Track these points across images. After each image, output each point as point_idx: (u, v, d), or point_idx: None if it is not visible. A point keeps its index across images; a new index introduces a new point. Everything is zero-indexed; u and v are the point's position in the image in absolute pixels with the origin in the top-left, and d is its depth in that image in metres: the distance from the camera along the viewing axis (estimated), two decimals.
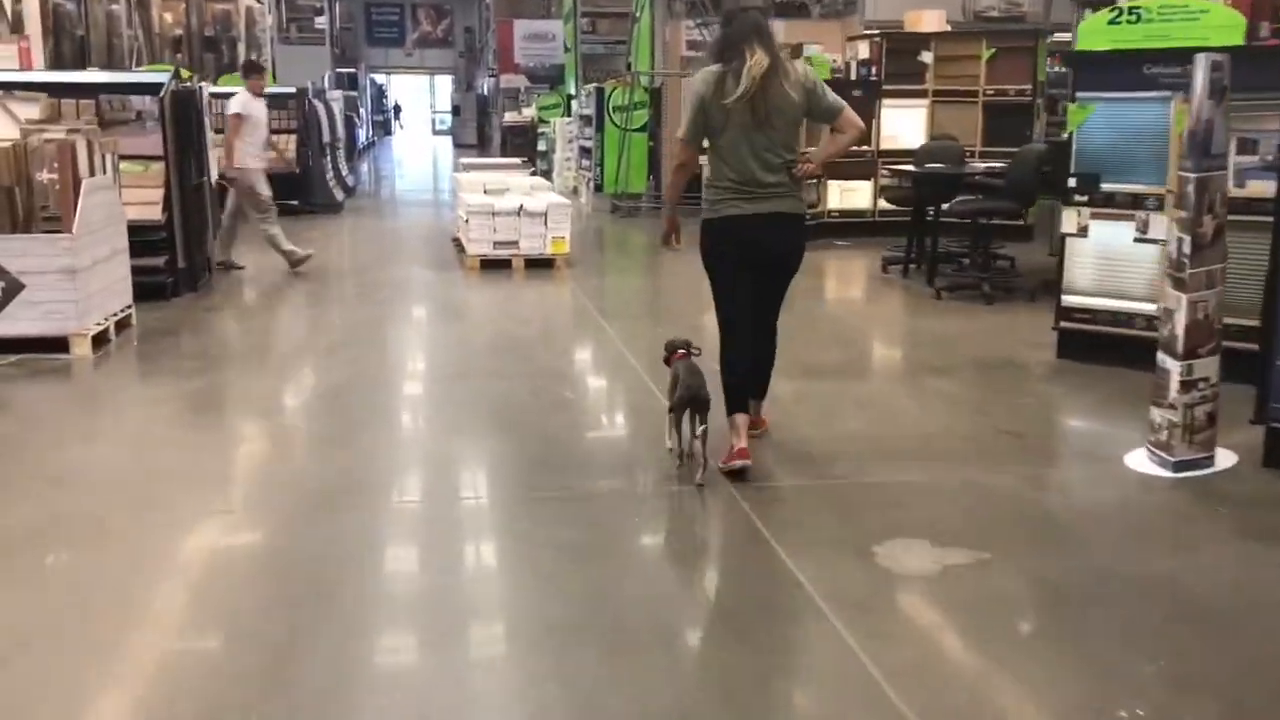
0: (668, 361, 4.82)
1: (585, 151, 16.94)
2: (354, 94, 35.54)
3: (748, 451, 4.58)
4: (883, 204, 12.28)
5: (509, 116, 21.61)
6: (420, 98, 55.49)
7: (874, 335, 8.22)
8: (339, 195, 15.82)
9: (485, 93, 40.80)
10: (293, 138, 15.11)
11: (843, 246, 12.07)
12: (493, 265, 10.24)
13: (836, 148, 4.73)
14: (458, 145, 40.05)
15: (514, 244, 10.27)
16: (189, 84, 8.85)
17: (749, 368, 4.79)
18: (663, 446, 4.89)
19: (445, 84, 52.41)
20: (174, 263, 8.58)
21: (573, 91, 23.03)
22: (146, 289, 8.38)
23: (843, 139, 4.64)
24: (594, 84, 16.60)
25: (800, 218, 4.68)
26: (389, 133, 51.49)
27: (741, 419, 4.64)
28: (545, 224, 10.30)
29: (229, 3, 23.75)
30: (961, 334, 7.63)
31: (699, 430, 4.48)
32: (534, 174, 14.10)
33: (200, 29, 23.81)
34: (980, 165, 10.23)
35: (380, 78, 52.31)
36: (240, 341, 7.86)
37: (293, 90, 15.43)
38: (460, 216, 10.92)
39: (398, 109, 54.10)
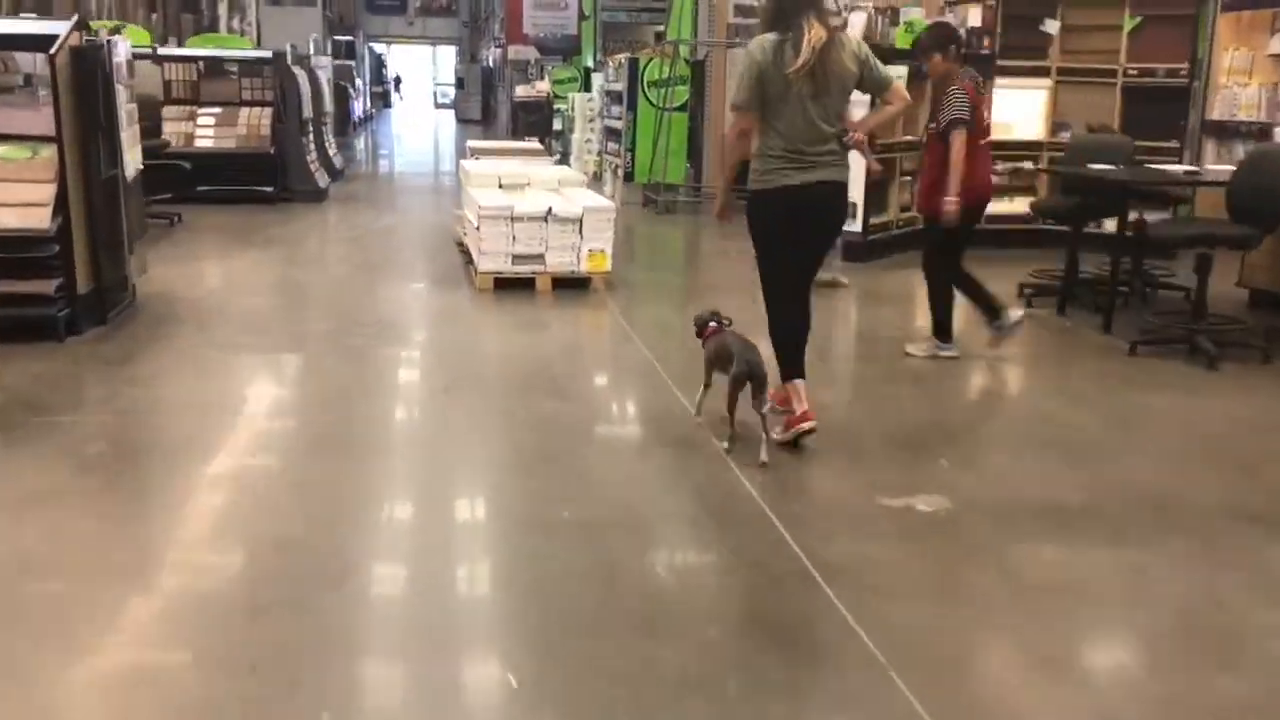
0: (700, 335, 4.83)
1: (611, 133, 14.43)
2: (350, 63, 32.94)
3: (811, 414, 4.60)
4: (997, 209, 9.86)
5: (520, 90, 19.08)
6: (422, 69, 52.77)
7: (1099, 435, 5.09)
8: (323, 180, 13.31)
9: (491, 65, 38.16)
10: (266, 112, 12.59)
11: None
12: (510, 285, 7.78)
13: (887, 117, 4.93)
14: (461, 121, 37.44)
15: (538, 258, 7.80)
16: (95, 39, 6.32)
17: (803, 332, 4.80)
18: None
19: (449, 55, 49.73)
20: (70, 288, 6.11)
21: (591, 64, 20.48)
22: (27, 326, 5.92)
23: (891, 110, 4.74)
24: (626, 54, 14.08)
25: (845, 185, 4.71)
26: (388, 105, 48.84)
27: (801, 383, 4.68)
28: (580, 232, 7.83)
29: None
30: (1233, 428, 5.19)
31: (765, 408, 4.45)
32: (558, 161, 11.56)
33: None
34: (1178, 168, 7.76)
35: (380, 47, 49.64)
36: (145, 430, 4.96)
37: (267, 54, 12.88)
38: (467, 219, 8.41)
39: (398, 81, 51.44)
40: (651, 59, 13.51)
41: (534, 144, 11.06)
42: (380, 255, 9.72)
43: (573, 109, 17.22)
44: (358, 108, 30.50)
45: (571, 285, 7.89)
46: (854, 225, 9.21)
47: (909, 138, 9.84)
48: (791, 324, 4.76)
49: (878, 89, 4.70)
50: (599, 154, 16.01)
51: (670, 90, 12.96)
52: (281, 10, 22.12)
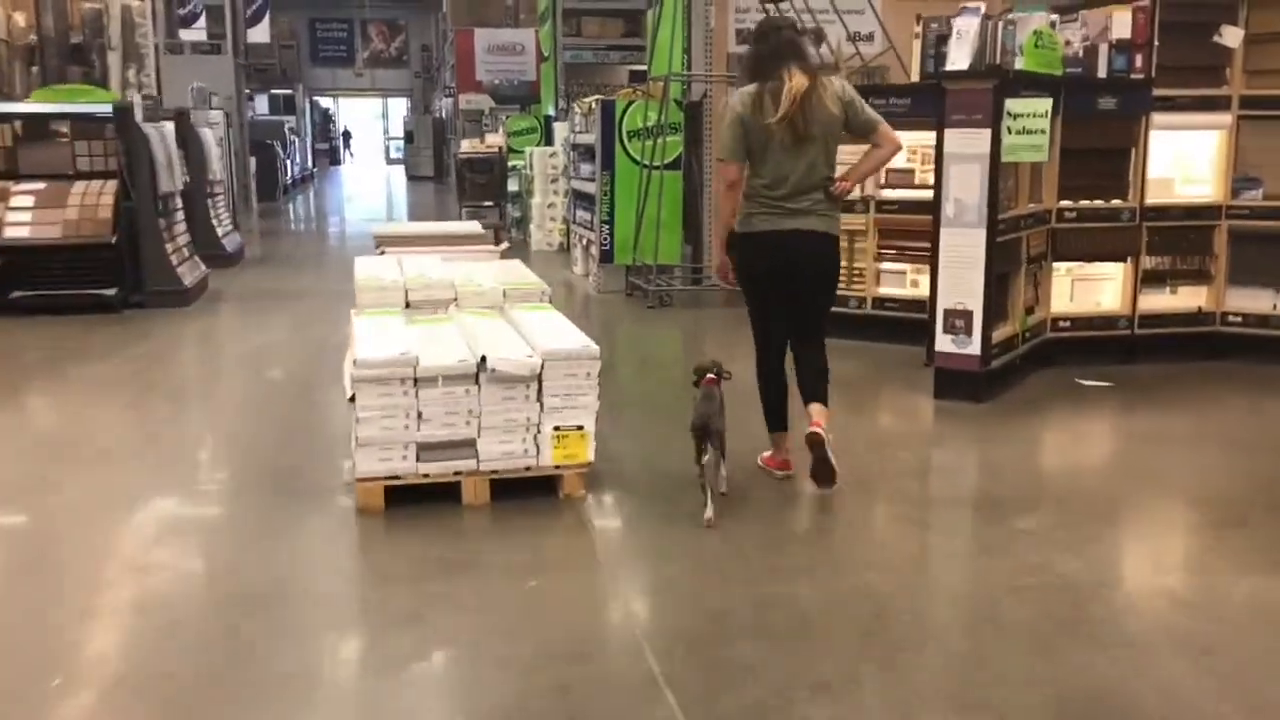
0: (696, 385, 4.57)
1: (582, 198, 11.06)
2: (284, 119, 29.54)
3: (790, 464, 4.72)
4: (1155, 304, 6.63)
5: (466, 145, 15.67)
6: (373, 123, 49.47)
7: None
8: (191, 276, 9.85)
9: (444, 116, 34.89)
10: (110, 187, 9.16)
11: (1093, 387, 6.37)
12: (415, 498, 4.36)
13: (873, 163, 4.71)
14: (411, 177, 34.07)
15: (465, 446, 4.38)
16: None
17: (783, 386, 4.73)
18: None
19: (401, 108, 46.51)
20: None
21: (552, 112, 17.17)
22: None
23: (879, 154, 4.59)
24: (597, 97, 10.72)
25: (835, 238, 4.61)
26: (336, 162, 45.48)
27: (781, 437, 4.74)
28: (539, 398, 4.43)
29: (99, 1, 17.74)
30: None
31: (706, 459, 4.30)
32: (508, 242, 8.10)
33: (61, 34, 17.85)
34: None
35: (327, 101, 46.37)
36: None
37: (106, 110, 9.43)
38: (347, 377, 4.87)
39: (347, 136, 48.08)
40: (632, 102, 10.17)
41: (474, 228, 7.57)
42: (219, 423, 6.14)
43: (531, 167, 13.88)
44: (293, 168, 27.09)
45: (525, 491, 4.46)
46: (967, 346, 5.87)
47: (1033, 206, 6.51)
48: (773, 375, 4.73)
49: (865, 131, 4.53)
50: (564, 221, 12.65)
51: (658, 143, 9.61)
52: (185, 60, 18.70)
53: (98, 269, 8.96)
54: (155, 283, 9.31)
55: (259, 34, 32.43)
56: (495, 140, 15.05)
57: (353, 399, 4.33)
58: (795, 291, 4.60)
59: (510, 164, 15.03)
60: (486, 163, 13.99)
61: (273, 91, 35.63)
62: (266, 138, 23.95)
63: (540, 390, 4.43)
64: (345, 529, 4.27)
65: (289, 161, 26.25)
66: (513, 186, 14.88)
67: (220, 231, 12.04)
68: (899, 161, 7.61)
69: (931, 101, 6.32)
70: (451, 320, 5.07)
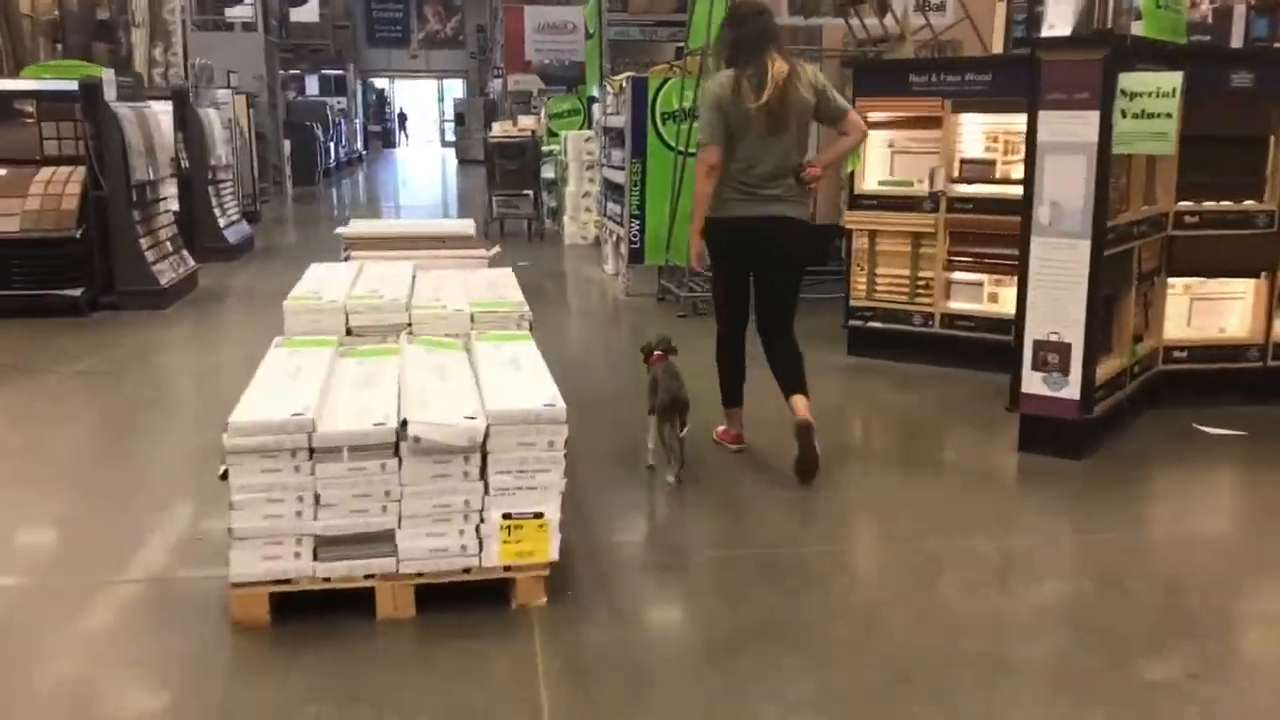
0: (647, 362, 4.67)
1: (614, 189, 9.84)
2: (325, 101, 28.65)
3: (742, 437, 4.81)
4: None
5: (497, 128, 14.47)
6: (430, 105, 48.58)
7: None
8: (168, 275, 8.80)
9: (494, 98, 33.82)
10: (77, 174, 8.15)
11: (1218, 436, 5.04)
12: (311, 609, 3.21)
13: (843, 150, 4.71)
14: (462, 160, 33.05)
15: (381, 541, 3.21)
16: None
17: (742, 364, 4.77)
18: None
19: (457, 90, 45.55)
20: None
21: (595, 93, 15.97)
22: None
23: (848, 141, 4.60)
24: (627, 75, 9.47)
25: (805, 223, 4.62)
26: (391, 145, 44.66)
27: (736, 412, 4.82)
28: (482, 474, 3.24)
29: None
30: None
31: (682, 433, 4.41)
32: (537, 227, 6.75)
33: (87, 8, 17.00)
34: None
35: (382, 83, 45.55)
36: None
37: (72, 87, 8.39)
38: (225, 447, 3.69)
39: (403, 118, 47.22)
40: (667, 80, 8.91)
41: (463, 224, 6.34)
42: (102, 481, 5.06)
43: (566, 152, 12.68)
44: (336, 151, 26.17)
45: (463, 601, 3.29)
46: (1063, 388, 4.58)
47: (1146, 210, 5.19)
48: (734, 355, 4.75)
49: (835, 119, 4.57)
50: (600, 215, 11.46)
51: (694, 126, 8.36)
52: (215, 38, 17.72)
53: (62, 266, 7.95)
54: (127, 282, 8.29)
55: (307, 13, 31.67)
56: (528, 123, 13.86)
57: (224, 476, 3.17)
58: (766, 275, 4.65)
59: (547, 149, 13.84)
60: (517, 147, 12.81)
61: (323, 72, 34.80)
62: (307, 119, 23.02)
63: (485, 465, 3.24)
64: (213, 651, 3.13)
65: (332, 144, 25.29)
66: (549, 174, 13.71)
67: (224, 222, 11.00)
68: (975, 150, 6.36)
69: (1019, 77, 5.06)
70: (397, 354, 3.91)
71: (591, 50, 17.68)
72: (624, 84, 9.16)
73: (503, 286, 4.89)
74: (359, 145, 33.47)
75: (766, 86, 4.35)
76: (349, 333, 4.23)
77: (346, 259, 5.49)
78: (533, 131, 13.21)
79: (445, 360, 3.84)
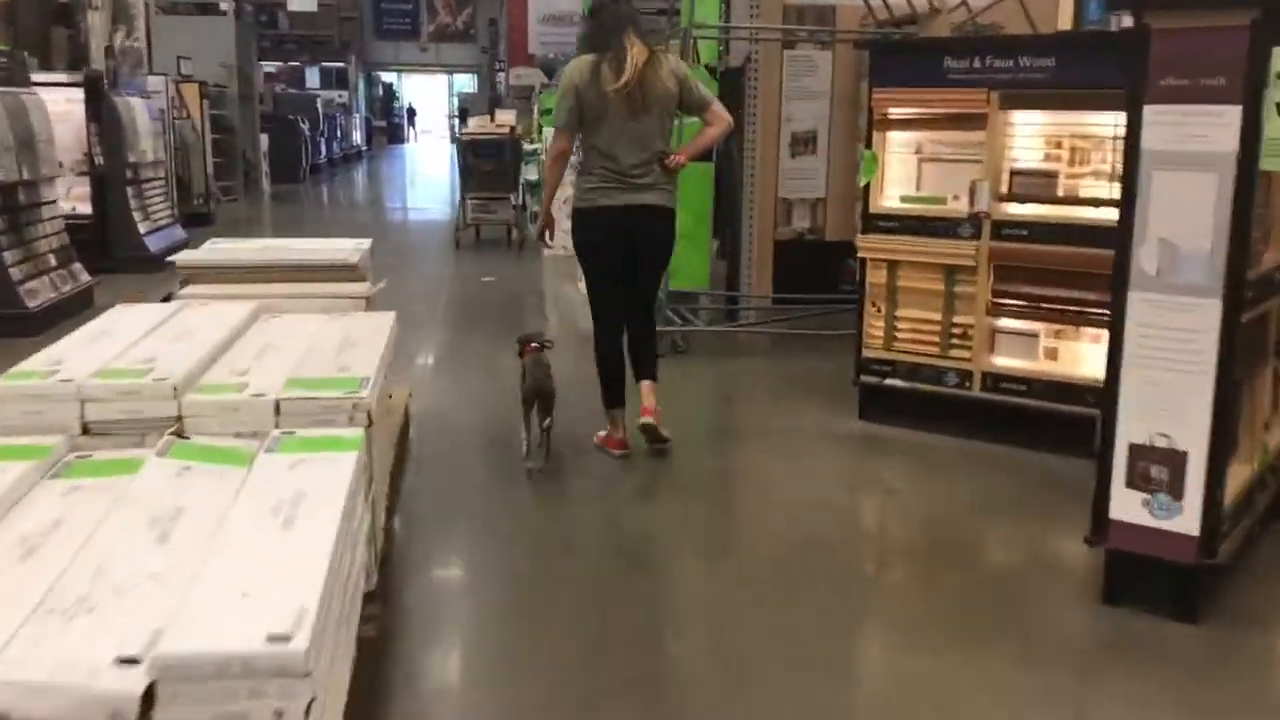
0: (520, 354, 4.60)
1: None
2: (315, 93, 27.29)
3: (626, 442, 4.64)
4: None
5: (473, 124, 12.90)
6: (440, 100, 47.16)
7: None
8: (40, 296, 7.28)
9: (499, 92, 32.34)
10: None
11: None
12: None
13: (707, 139, 4.74)
14: None
15: None
16: None
17: (622, 361, 4.69)
18: None
19: (467, 85, 44.11)
20: None
21: None
22: None
23: (711, 131, 4.63)
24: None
25: (671, 211, 4.59)
26: (399, 140, 43.25)
27: (619, 414, 4.66)
28: None
29: None
30: None
31: (545, 423, 4.40)
32: (376, 288, 5.00)
33: None
34: None
35: (390, 77, 44.14)
36: None
37: None
38: None
39: (412, 113, 45.80)
40: None
41: (339, 248, 4.69)
42: None
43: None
44: (329, 146, 24.73)
45: None
46: (1174, 517, 3.01)
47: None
48: (611, 352, 4.67)
49: (698, 108, 4.60)
50: None
51: (680, 123, 6.83)
52: (181, 21, 16.25)
53: None
54: None
55: (305, 1, 30.32)
56: (506, 119, 12.33)
57: None
58: (633, 264, 4.58)
59: (530, 147, 12.33)
60: (494, 145, 11.31)
61: (323, 64, 33.42)
62: (293, 112, 21.58)
63: None
64: None
65: (323, 140, 23.84)
66: (532, 175, 12.20)
67: (145, 227, 9.53)
68: (1031, 158, 4.81)
69: (1094, 61, 3.60)
70: (139, 469, 2.42)
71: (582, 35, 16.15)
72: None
73: (362, 347, 3.37)
74: (358, 140, 31.98)
75: (626, 69, 4.30)
76: (86, 430, 2.74)
77: (168, 299, 3.99)
78: (512, 128, 11.67)
79: (194, 496, 2.33)
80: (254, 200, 17.03)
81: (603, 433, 4.70)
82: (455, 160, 31.86)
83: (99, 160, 9.23)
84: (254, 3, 28.13)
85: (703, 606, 3.48)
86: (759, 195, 7.37)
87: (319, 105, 23.59)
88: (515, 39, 25.83)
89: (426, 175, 27.07)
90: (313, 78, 33.56)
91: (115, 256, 9.23)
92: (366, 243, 4.74)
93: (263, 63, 32.44)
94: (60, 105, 9.19)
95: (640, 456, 4.68)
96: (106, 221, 9.26)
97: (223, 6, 17.39)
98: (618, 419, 4.64)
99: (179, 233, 10.33)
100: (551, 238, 4.93)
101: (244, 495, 2.33)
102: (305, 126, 21.30)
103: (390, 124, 42.21)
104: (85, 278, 7.86)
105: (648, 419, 4.54)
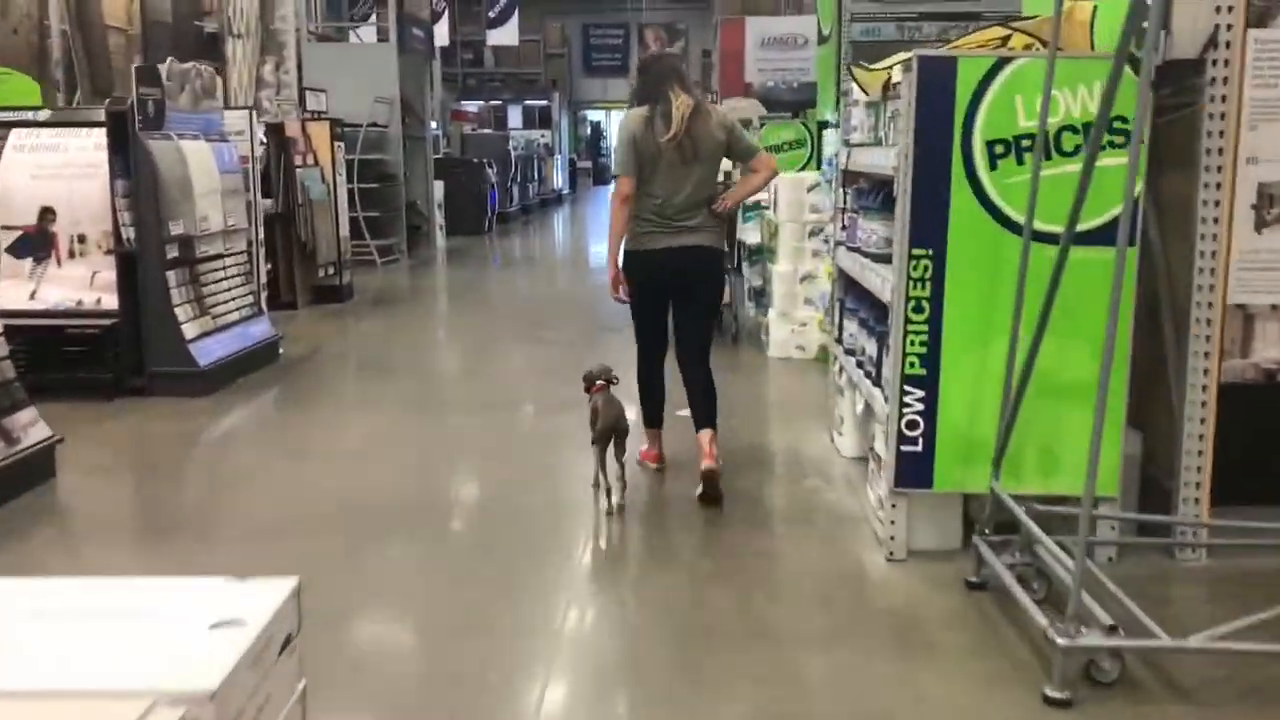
0: (588, 391, 4.68)
1: (862, 298, 4.66)
2: (509, 134, 24.67)
3: (661, 457, 4.97)
4: None
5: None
6: None
7: None
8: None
9: None
10: None
11: None
12: None
13: (753, 186, 5.07)
14: None
15: None
16: None
17: (661, 387, 4.93)
18: None
19: None
20: None
21: (829, 116, 10.83)
22: None
23: (757, 179, 4.89)
24: (902, 56, 4.36)
25: (720, 251, 4.81)
26: (605, 181, 40.66)
27: (655, 432, 4.99)
28: None
29: None
30: None
31: (621, 458, 4.52)
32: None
33: (185, 19, 13.29)
34: None
35: (598, 114, 41.73)
36: None
37: None
38: None
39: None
40: (1005, 61, 3.70)
41: (197, 661, 1.41)
42: None
43: (777, 205, 7.67)
44: (522, 191, 21.96)
45: None
46: None
47: None
48: (650, 378, 4.92)
49: (745, 156, 4.81)
50: (830, 326, 6.34)
51: (1070, 174, 3.16)
52: (340, 50, 13.57)
53: None
54: None
55: (505, 35, 27.93)
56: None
57: None
58: (681, 303, 4.78)
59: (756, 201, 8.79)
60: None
61: (526, 103, 31.04)
62: (479, 154, 18.85)
63: None
64: None
65: (515, 185, 21.07)
66: (753, 237, 8.67)
67: (193, 329, 6.47)
68: None
69: None
70: None
71: (825, 59, 12.46)
72: (896, 75, 4.02)
73: None
74: (560, 183, 29.33)
75: (674, 121, 4.49)
76: None
77: None
78: (726, 173, 8.16)
79: None
80: (418, 261, 14.16)
81: (644, 447, 5.00)
82: None
83: (128, 233, 6.25)
84: (459, 40, 25.88)
85: None
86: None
87: (510, 147, 20.81)
88: (728, 68, 22.50)
89: None
90: (514, 117, 31.25)
91: (149, 372, 6.26)
92: (277, 599, 1.28)
93: (465, 101, 30.48)
94: (89, 153, 6.30)
95: None
96: (141, 318, 6.28)
97: (362, 33, 14.75)
98: (655, 436, 4.97)
99: (258, 330, 7.28)
100: (629, 294, 4.78)
101: None
102: (493, 171, 18.48)
103: (596, 164, 39.67)
104: (37, 435, 4.77)
105: (709, 464, 4.52)
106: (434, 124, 18.53)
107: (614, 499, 4.46)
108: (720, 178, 5.19)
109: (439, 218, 15.77)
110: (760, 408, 6.52)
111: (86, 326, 6.19)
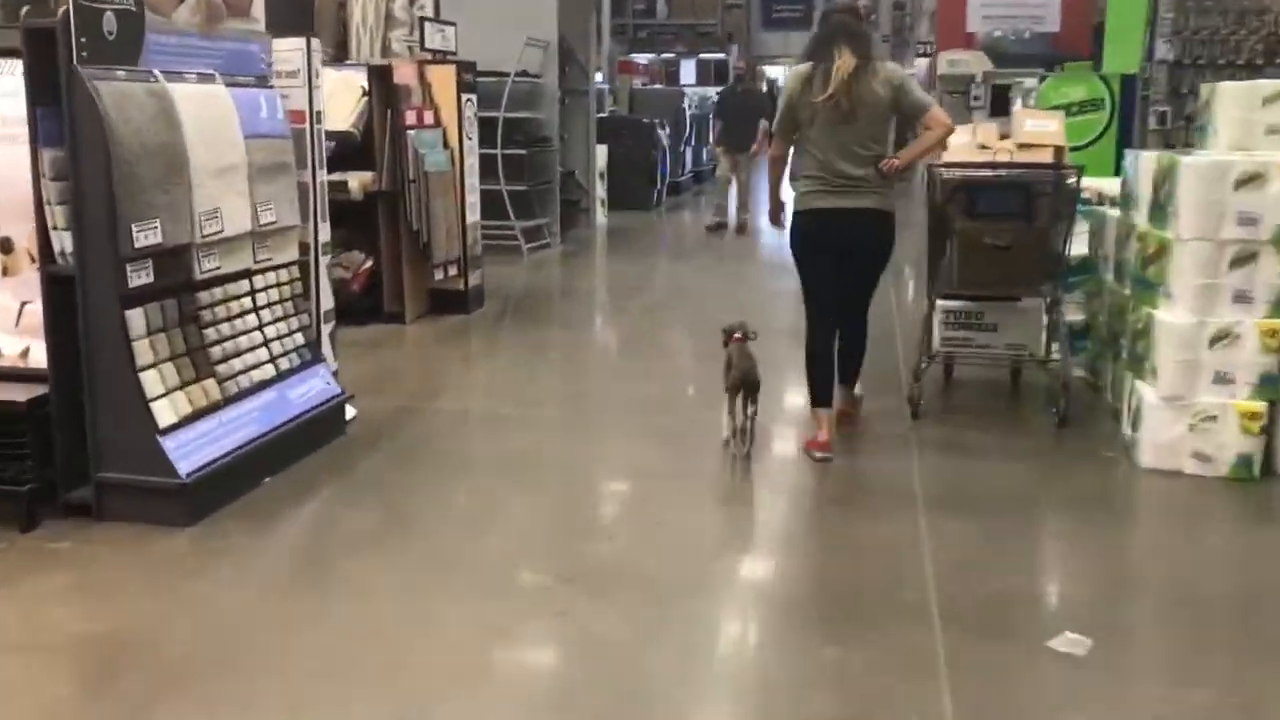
0: (725, 344, 4.64)
1: None
2: (684, 90, 21.79)
3: (830, 444, 4.57)
4: None
5: (959, 145, 6.04)
6: None
7: None
8: None
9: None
10: None
11: None
12: None
13: (924, 145, 4.69)
14: None
15: None
16: None
17: (832, 360, 4.71)
18: None
19: None
20: None
21: (1135, 68, 7.52)
22: None
23: (931, 135, 4.58)
24: None
25: (886, 213, 4.62)
26: None
27: (824, 414, 4.64)
28: None
29: None
30: None
31: (750, 411, 4.45)
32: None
33: None
34: None
35: (776, 71, 38.26)
36: None
37: None
38: None
39: None
40: None
41: None
42: None
43: (1132, 202, 4.53)
44: (693, 158, 19.01)
45: None
46: None
47: None
48: (822, 351, 4.70)
49: (915, 113, 4.58)
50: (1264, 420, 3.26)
51: None
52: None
53: None
54: None
55: None
56: (1040, 132, 5.65)
57: None
58: (847, 264, 4.63)
59: (1081, 190, 5.59)
60: (1020, 192, 4.77)
61: (700, 57, 27.96)
62: (650, 114, 15.97)
63: None
64: None
65: (689, 148, 18.17)
66: (1078, 248, 5.50)
67: (174, 409, 3.76)
68: None
69: None
70: None
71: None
72: None
73: None
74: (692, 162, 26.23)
75: (832, 81, 4.39)
76: None
77: None
78: (1059, 150, 4.98)
79: None
80: (574, 246, 11.40)
81: (809, 435, 4.67)
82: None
83: (60, 243, 3.60)
84: None
85: None
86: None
87: (685, 104, 17.85)
88: (947, 15, 18.96)
89: None
90: (687, 72, 28.27)
91: (98, 479, 3.63)
92: None
93: (634, 55, 27.63)
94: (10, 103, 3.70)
95: None
96: (85, 391, 3.63)
97: None
98: (824, 419, 4.61)
99: (310, 388, 4.56)
100: (781, 220, 4.99)
101: None
102: (664, 133, 15.58)
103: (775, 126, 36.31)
104: None
105: (841, 408, 4.69)
106: (599, 76, 15.72)
107: (744, 449, 4.44)
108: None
109: (600, 190, 12.96)
110: (1139, 594, 3.50)
111: None
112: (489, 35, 10.10)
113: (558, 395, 5.87)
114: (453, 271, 7.36)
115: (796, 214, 4.66)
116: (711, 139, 14.27)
